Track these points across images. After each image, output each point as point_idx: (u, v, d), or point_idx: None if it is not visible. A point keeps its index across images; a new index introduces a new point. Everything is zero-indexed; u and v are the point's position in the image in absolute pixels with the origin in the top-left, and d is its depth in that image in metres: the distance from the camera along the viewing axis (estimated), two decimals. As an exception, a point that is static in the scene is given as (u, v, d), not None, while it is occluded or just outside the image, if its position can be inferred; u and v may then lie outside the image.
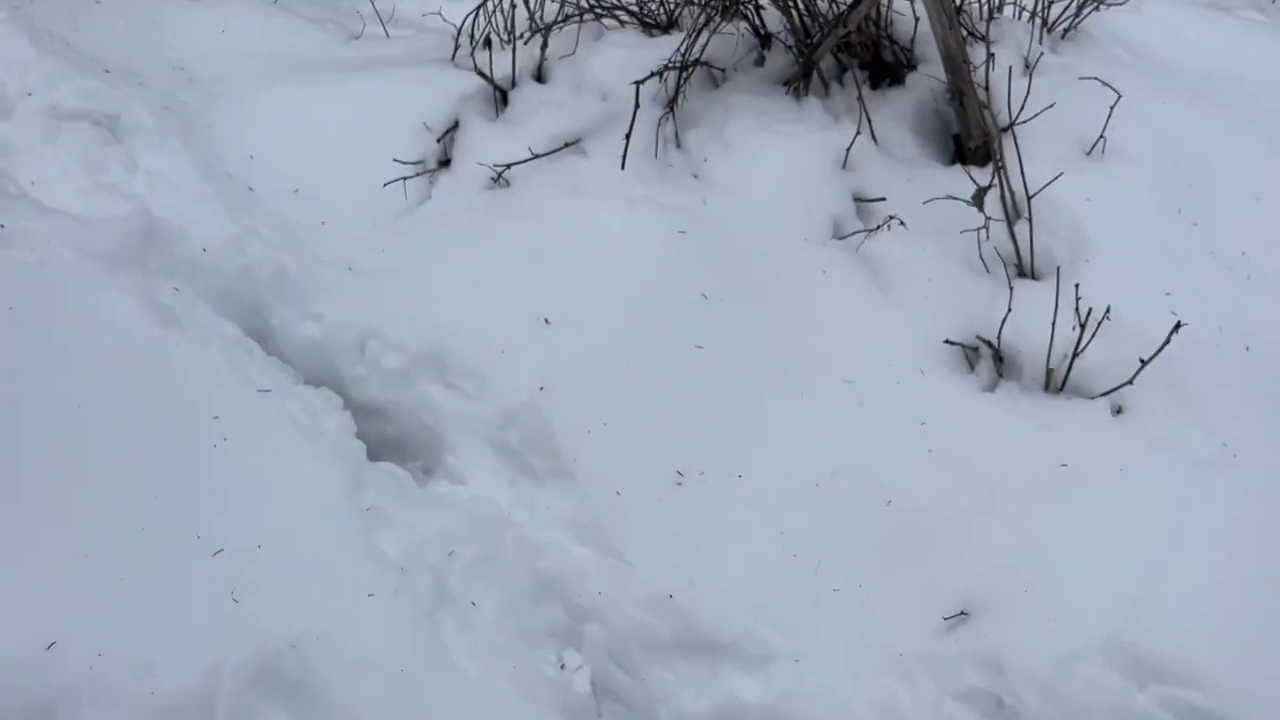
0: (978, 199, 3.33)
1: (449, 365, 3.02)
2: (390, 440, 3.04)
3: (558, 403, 2.93)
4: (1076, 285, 3.07)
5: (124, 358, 2.78)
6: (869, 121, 3.64)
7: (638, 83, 3.54)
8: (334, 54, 4.24)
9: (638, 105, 3.53)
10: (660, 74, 3.65)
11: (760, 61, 3.95)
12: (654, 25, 4.13)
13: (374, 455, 2.93)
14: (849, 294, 3.29)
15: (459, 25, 4.04)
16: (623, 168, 3.49)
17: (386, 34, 4.48)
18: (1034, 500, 2.80)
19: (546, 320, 3.10)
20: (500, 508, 2.78)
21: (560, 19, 4.05)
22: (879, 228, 3.37)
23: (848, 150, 3.54)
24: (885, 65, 3.94)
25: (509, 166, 3.55)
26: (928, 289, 3.32)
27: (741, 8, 3.88)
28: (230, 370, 2.87)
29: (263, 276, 3.19)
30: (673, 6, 4.14)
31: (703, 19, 3.77)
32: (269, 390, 2.83)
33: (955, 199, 3.31)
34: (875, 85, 3.91)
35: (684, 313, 3.16)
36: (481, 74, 3.82)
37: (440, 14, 4.40)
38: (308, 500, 2.61)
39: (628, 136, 3.49)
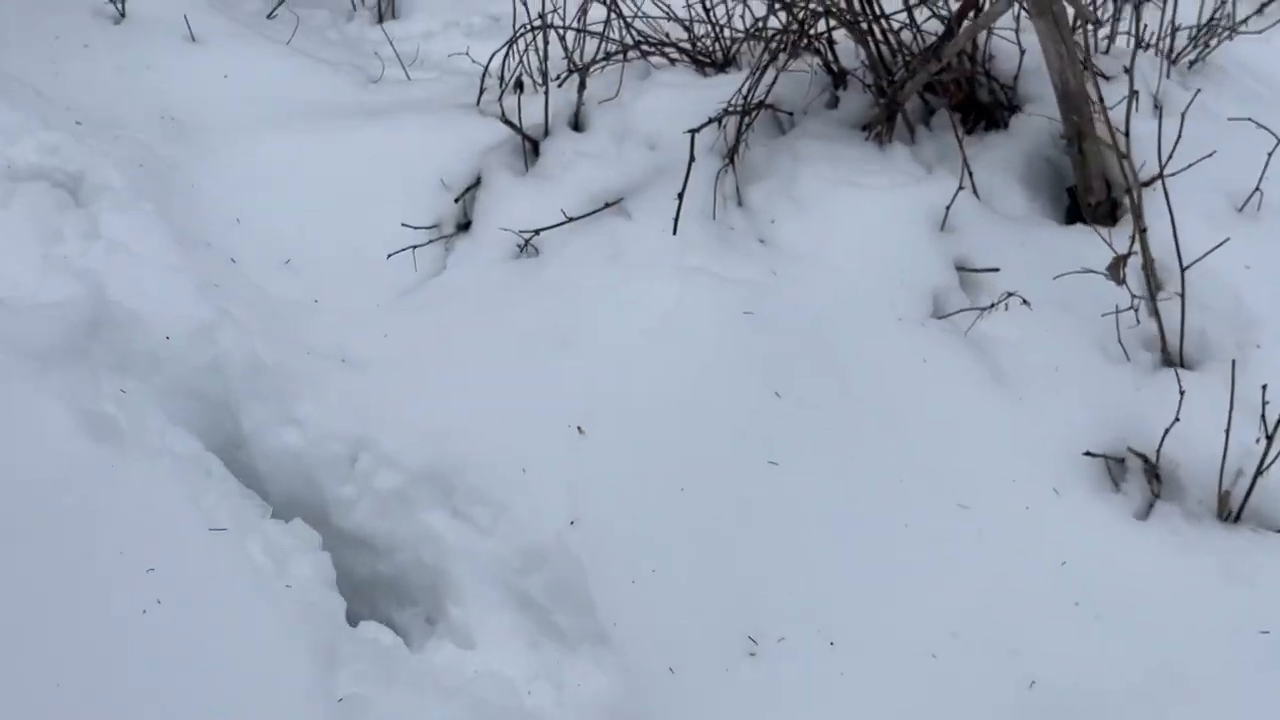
0: (1116, 270, 2.52)
1: (457, 487, 2.27)
2: (383, 580, 2.29)
3: (593, 540, 2.16)
4: (1264, 386, 2.26)
5: (41, 488, 2.06)
6: (969, 173, 2.86)
7: (692, 131, 2.78)
8: (346, 99, 3.53)
9: (692, 157, 2.77)
10: (719, 120, 2.89)
11: (834, 103, 3.19)
12: (709, 63, 3.39)
13: (358, 605, 2.19)
14: (957, 388, 2.51)
15: (485, 65, 3.32)
16: (674, 232, 2.73)
17: (408, 77, 3.78)
18: (1227, 680, 1.99)
19: (580, 429, 2.34)
20: (515, 687, 2.00)
21: (601, 57, 3.32)
22: (994, 305, 2.57)
23: (948, 208, 2.76)
24: (981, 106, 3.15)
25: (538, 232, 2.80)
26: (1054, 381, 2.53)
27: (812, 41, 3.12)
28: (179, 499, 2.13)
29: (235, 370, 2.47)
30: (729, 42, 3.39)
31: (766, 55, 3.02)
32: (225, 529, 2.09)
33: (1092, 271, 2.50)
34: (970, 129, 3.13)
35: (753, 417, 2.39)
36: (508, 122, 3.07)
37: (468, 54, 3.69)
38: (260, 690, 1.86)
39: (680, 195, 2.73)
